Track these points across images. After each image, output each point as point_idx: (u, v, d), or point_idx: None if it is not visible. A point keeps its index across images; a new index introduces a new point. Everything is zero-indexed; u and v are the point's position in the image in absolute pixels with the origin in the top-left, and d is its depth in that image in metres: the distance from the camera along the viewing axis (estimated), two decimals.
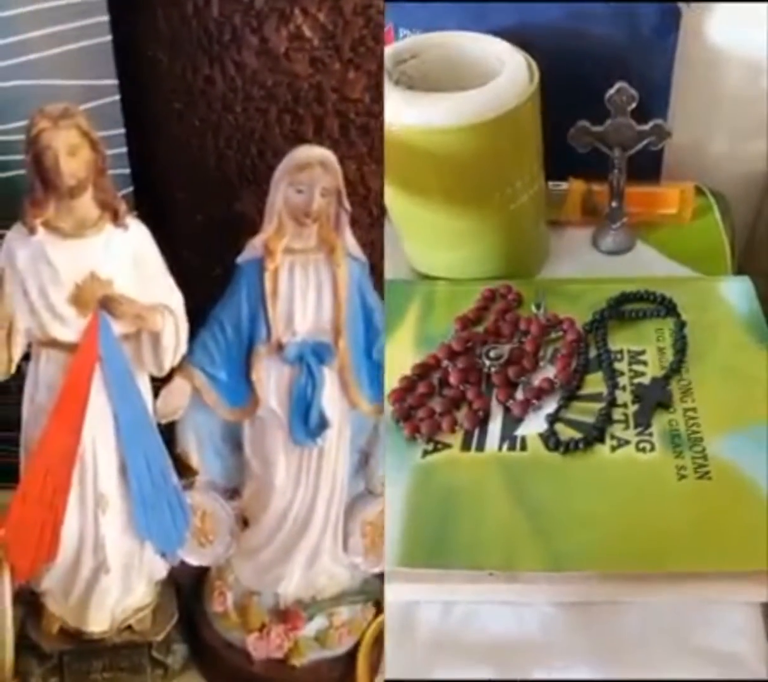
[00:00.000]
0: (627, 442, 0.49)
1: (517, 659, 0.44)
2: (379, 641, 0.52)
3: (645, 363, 0.54)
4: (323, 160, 0.49)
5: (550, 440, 0.49)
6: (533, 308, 0.58)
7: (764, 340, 0.54)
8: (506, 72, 0.52)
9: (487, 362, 0.54)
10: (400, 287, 0.61)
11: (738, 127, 0.68)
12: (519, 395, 0.52)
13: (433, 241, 0.60)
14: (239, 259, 0.51)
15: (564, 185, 0.66)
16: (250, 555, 0.55)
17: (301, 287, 0.51)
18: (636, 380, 0.53)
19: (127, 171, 0.60)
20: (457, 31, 0.56)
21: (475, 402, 0.52)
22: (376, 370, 0.52)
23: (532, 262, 0.64)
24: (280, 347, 0.51)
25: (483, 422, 0.51)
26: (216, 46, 0.54)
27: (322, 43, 0.52)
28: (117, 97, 0.59)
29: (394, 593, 0.46)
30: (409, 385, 0.53)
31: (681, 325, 0.55)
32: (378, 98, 0.51)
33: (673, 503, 0.45)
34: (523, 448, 0.49)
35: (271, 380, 0.51)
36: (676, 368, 0.53)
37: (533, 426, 0.50)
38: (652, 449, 0.48)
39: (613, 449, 0.49)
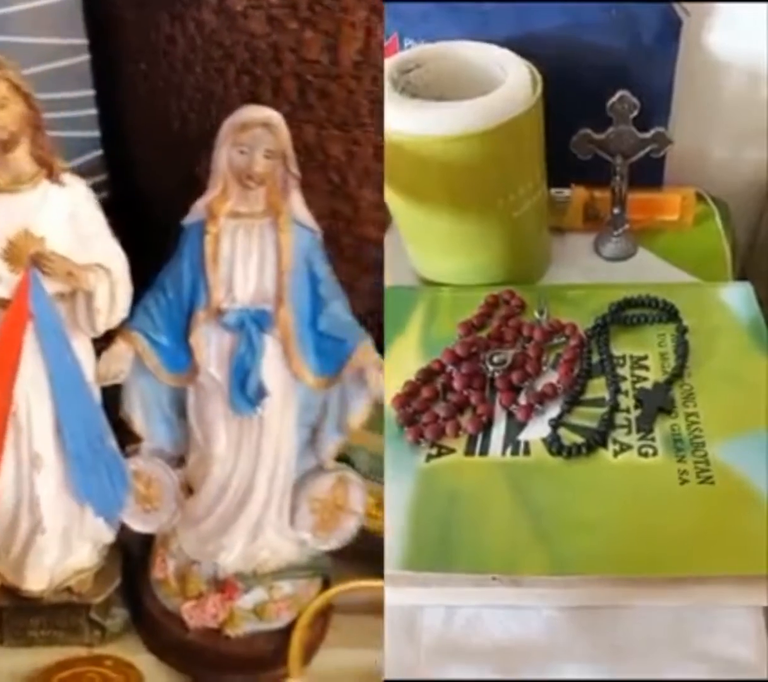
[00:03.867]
0: (629, 447, 0.49)
1: (520, 662, 0.44)
2: (320, 617, 0.51)
3: (647, 368, 0.54)
4: (267, 121, 0.47)
5: (553, 444, 0.49)
6: (536, 314, 0.58)
7: (765, 345, 0.55)
8: (509, 81, 0.53)
9: (491, 367, 0.54)
10: (405, 293, 0.61)
11: (739, 134, 0.69)
12: (522, 399, 0.53)
13: (437, 247, 0.61)
14: (184, 222, 0.50)
15: (566, 192, 0.67)
16: (193, 524, 0.54)
17: (244, 252, 0.49)
18: (638, 385, 0.53)
19: (98, 134, 0.59)
20: (461, 40, 0.57)
21: (479, 407, 0.52)
22: (322, 342, 0.51)
23: (535, 269, 0.65)
24: (219, 313, 0.50)
25: (486, 427, 0.51)
26: (178, 4, 0.53)
27: (279, 1, 0.51)
28: (87, 57, 0.57)
29: (397, 597, 0.46)
30: (413, 390, 0.53)
31: (683, 330, 0.56)
32: (337, 61, 0.50)
33: (676, 507, 0.45)
34: (527, 452, 0.50)
35: (212, 346, 0.50)
36: (678, 373, 0.53)
37: (536, 431, 0.51)
38: (655, 453, 0.49)
39: (616, 453, 0.49)
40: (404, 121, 0.51)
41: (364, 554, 0.54)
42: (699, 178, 0.69)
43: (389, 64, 0.54)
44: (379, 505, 0.53)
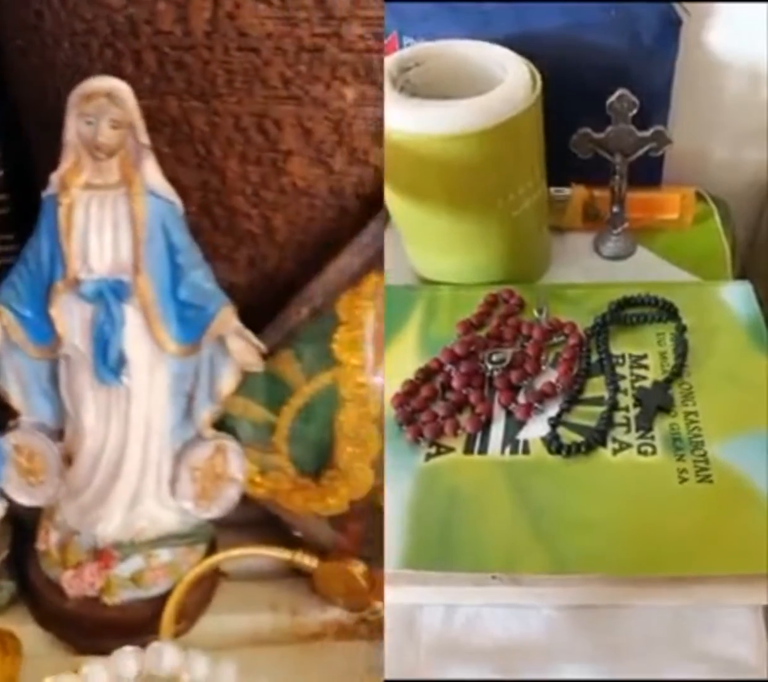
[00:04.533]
0: (629, 445, 0.49)
1: (520, 661, 0.44)
2: (205, 584, 0.52)
3: (646, 367, 0.54)
4: (111, 91, 0.48)
5: (553, 443, 0.49)
6: (535, 313, 0.58)
7: (765, 344, 0.55)
8: (509, 79, 0.53)
9: (490, 366, 0.54)
10: (404, 292, 0.61)
11: (738, 134, 0.69)
12: (521, 398, 0.53)
13: (436, 246, 0.61)
14: (42, 195, 0.50)
15: (566, 191, 0.67)
16: (73, 496, 0.55)
17: (98, 223, 0.49)
18: (637, 384, 0.53)
19: None
20: (460, 39, 0.57)
21: (478, 406, 0.52)
22: (184, 310, 0.51)
23: (534, 268, 0.65)
24: (77, 284, 0.50)
25: (485, 426, 0.51)
26: None
27: None
28: None
29: (396, 596, 0.46)
30: (412, 389, 0.53)
31: (682, 329, 0.56)
32: (189, 32, 0.50)
33: (675, 506, 0.45)
34: (526, 451, 0.50)
35: (74, 317, 0.51)
36: (677, 372, 0.53)
37: (535, 430, 0.51)
38: (654, 452, 0.49)
39: (615, 452, 0.49)
40: (403, 119, 0.51)
41: (250, 521, 0.55)
42: (698, 177, 0.69)
43: (388, 62, 0.54)
44: (262, 472, 0.54)
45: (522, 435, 0.51)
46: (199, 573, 0.52)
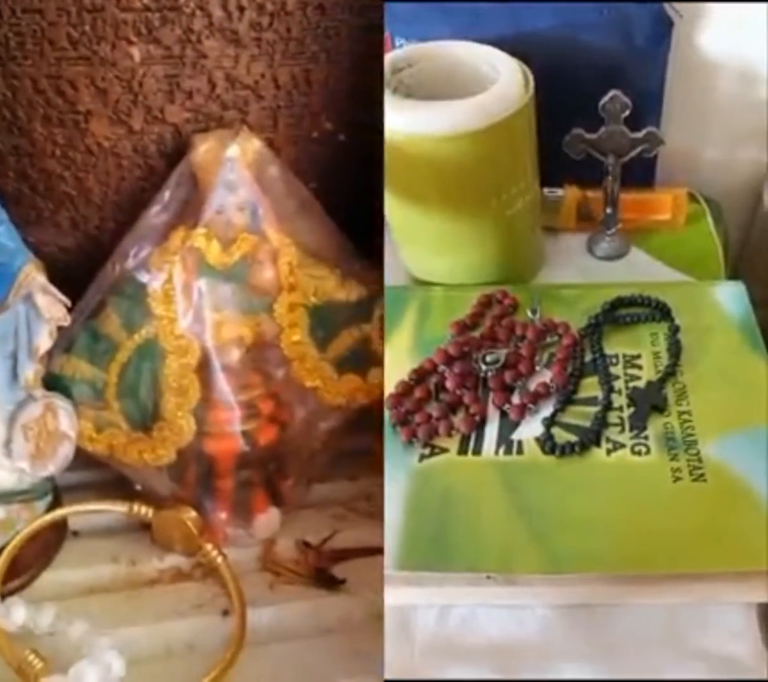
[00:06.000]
0: (622, 445, 0.49)
1: (516, 661, 0.44)
2: (36, 539, 0.53)
3: (640, 367, 0.54)
4: None
5: (547, 443, 0.49)
6: (529, 313, 0.58)
7: (757, 344, 0.55)
8: (501, 80, 0.53)
9: (484, 367, 0.54)
10: (397, 293, 0.61)
11: (730, 134, 0.69)
12: (515, 399, 0.53)
13: (430, 247, 0.61)
14: None
15: (559, 192, 0.67)
16: None
17: None
18: (631, 384, 0.53)
19: None
20: (453, 40, 0.57)
21: (472, 406, 0.52)
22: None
23: (528, 268, 0.65)
24: None
25: (480, 426, 0.51)
26: None
27: None
28: None
29: (391, 597, 0.46)
30: (405, 390, 0.53)
31: (675, 329, 0.56)
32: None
33: (669, 504, 0.45)
34: (520, 451, 0.50)
35: None
36: (670, 372, 0.53)
37: (530, 430, 0.51)
38: (648, 451, 0.49)
39: (609, 452, 0.49)
40: (396, 120, 0.51)
41: (97, 479, 0.58)
42: (691, 178, 0.69)
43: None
44: (98, 429, 0.55)
45: (516, 435, 0.51)
46: (35, 529, 0.53)
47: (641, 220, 0.67)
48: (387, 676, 0.44)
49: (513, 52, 0.55)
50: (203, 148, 0.53)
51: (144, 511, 0.54)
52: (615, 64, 0.61)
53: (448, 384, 0.53)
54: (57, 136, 0.54)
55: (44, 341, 0.53)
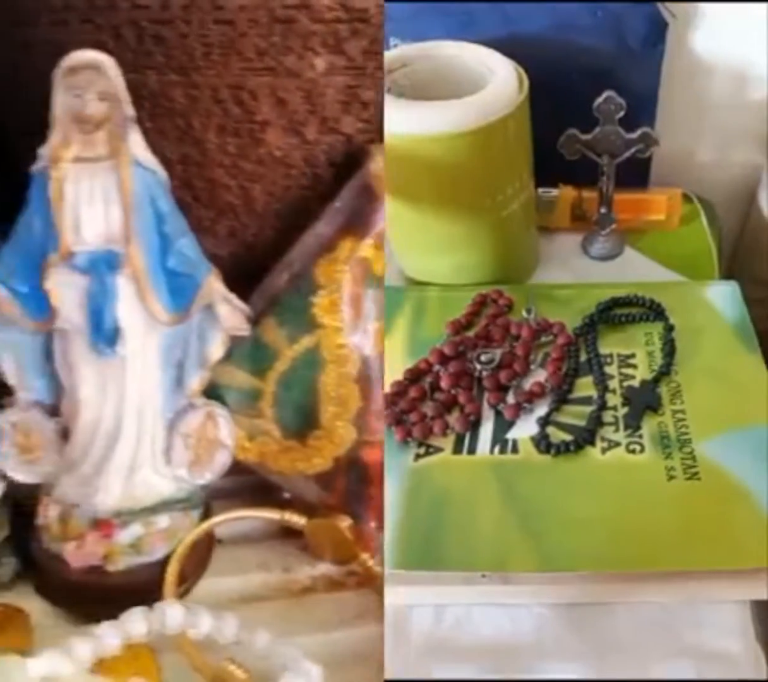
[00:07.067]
0: (617, 444, 0.49)
1: (511, 660, 0.44)
2: (196, 548, 0.53)
3: (634, 366, 0.55)
4: (95, 63, 0.48)
5: (541, 442, 0.50)
6: (524, 313, 0.59)
7: (751, 343, 0.55)
8: (496, 81, 0.53)
9: (479, 366, 0.54)
10: (392, 293, 0.61)
11: (724, 135, 0.69)
12: (510, 398, 0.53)
13: (425, 247, 0.61)
14: (32, 169, 0.50)
15: (554, 192, 0.67)
16: (72, 469, 0.55)
17: (88, 196, 0.50)
18: (626, 383, 0.53)
19: None
20: (447, 40, 0.57)
21: (467, 406, 0.52)
22: (173, 279, 0.52)
23: (523, 268, 0.65)
24: (71, 256, 0.50)
25: (474, 426, 0.51)
26: None
27: None
28: None
29: (387, 596, 0.46)
30: (400, 389, 0.54)
31: (669, 328, 0.56)
32: (167, 5, 0.51)
33: (663, 503, 0.46)
34: (515, 451, 0.50)
35: (68, 290, 0.51)
36: (665, 371, 0.53)
37: (524, 429, 0.51)
38: (642, 450, 0.49)
39: (604, 451, 0.49)
40: (390, 120, 0.51)
41: (242, 489, 0.58)
42: (685, 178, 0.69)
43: None
44: (250, 437, 0.55)
45: (511, 435, 0.51)
46: (197, 536, 0.53)
47: (636, 220, 0.67)
48: (388, 674, 0.44)
49: (507, 53, 0.55)
50: (383, 159, 0.52)
51: (296, 519, 0.53)
52: (609, 65, 0.61)
53: (443, 383, 0.53)
54: (229, 145, 0.53)
55: (217, 350, 0.53)
